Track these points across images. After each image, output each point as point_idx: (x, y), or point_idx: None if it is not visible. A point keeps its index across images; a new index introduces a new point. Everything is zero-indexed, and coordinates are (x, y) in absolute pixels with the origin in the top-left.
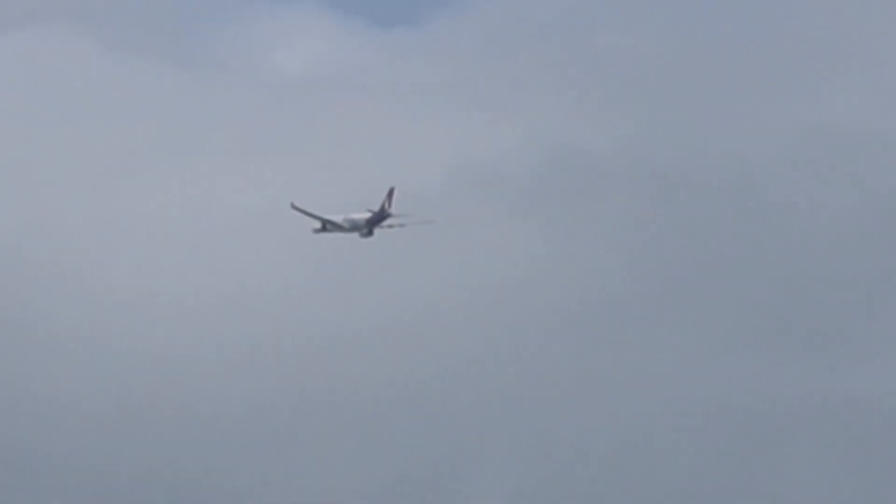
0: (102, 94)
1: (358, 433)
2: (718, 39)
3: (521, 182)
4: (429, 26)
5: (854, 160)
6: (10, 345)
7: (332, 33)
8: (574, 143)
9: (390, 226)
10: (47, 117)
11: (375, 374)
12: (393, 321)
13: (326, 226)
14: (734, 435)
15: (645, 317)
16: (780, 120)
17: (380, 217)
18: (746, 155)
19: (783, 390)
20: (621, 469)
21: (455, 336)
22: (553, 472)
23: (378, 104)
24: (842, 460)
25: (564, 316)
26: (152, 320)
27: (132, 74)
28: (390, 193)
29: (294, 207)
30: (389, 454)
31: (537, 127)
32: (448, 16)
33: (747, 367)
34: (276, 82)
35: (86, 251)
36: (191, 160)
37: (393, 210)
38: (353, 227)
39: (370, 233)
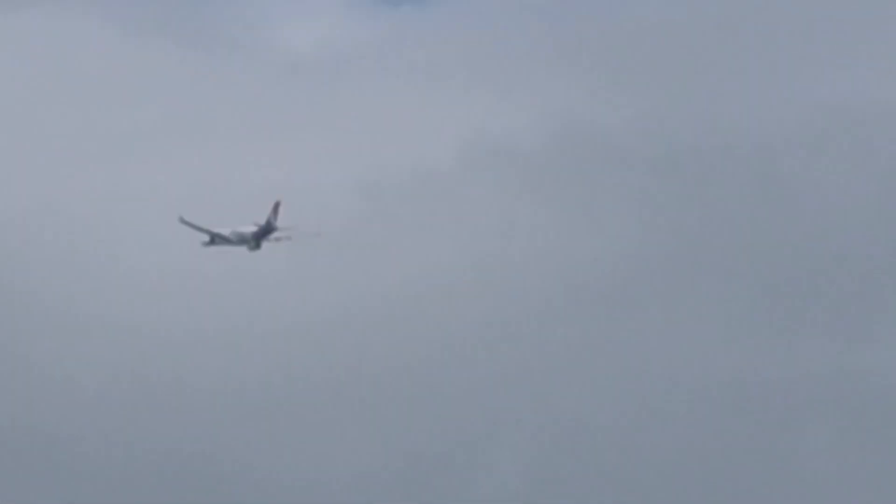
0: (111, 73)
1: (369, 412)
2: (733, 15)
3: (532, 157)
4: (437, 3)
5: (873, 138)
6: (21, 323)
7: (340, 11)
8: (586, 119)
9: (277, 238)
10: (56, 95)
11: (385, 352)
12: (404, 299)
13: (215, 239)
14: (749, 412)
15: (657, 294)
16: (796, 96)
17: (266, 230)
18: (761, 132)
19: (799, 367)
20: (634, 445)
21: (465, 313)
22: (564, 448)
23: (387, 82)
24: (858, 437)
25: (575, 292)
26: (162, 299)
27: (141, 52)
28: (276, 207)
29: (182, 221)
30: (401, 433)
31: (549, 103)
32: None
33: (762, 344)
34: (284, 60)
35: (94, 230)
36: (200, 139)
37: (279, 223)
38: (241, 240)
39: (258, 246)
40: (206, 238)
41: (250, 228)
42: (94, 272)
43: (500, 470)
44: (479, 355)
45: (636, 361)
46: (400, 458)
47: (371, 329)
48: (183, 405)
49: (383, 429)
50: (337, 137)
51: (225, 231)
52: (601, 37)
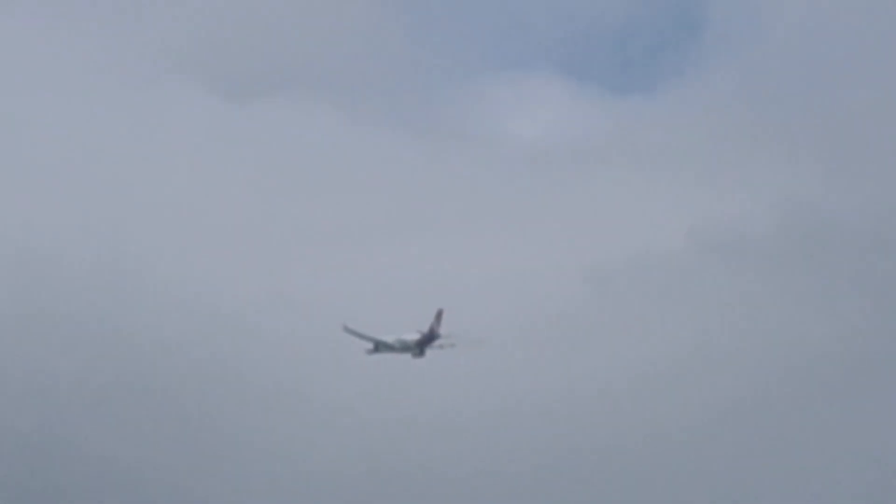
0: (340, 163)
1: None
2: None
3: (761, 242)
4: (665, 92)
5: None
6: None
7: (568, 101)
8: (814, 202)
9: (440, 346)
10: (290, 185)
11: (617, 434)
12: (633, 382)
13: (379, 346)
14: None
15: (892, 377)
16: None
17: (429, 338)
18: None
19: None
20: None
21: (695, 395)
22: None
23: (615, 170)
24: None
25: (806, 375)
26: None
27: (369, 143)
28: (439, 315)
29: (347, 330)
30: None
31: (777, 188)
32: (683, 83)
33: None
34: (512, 151)
35: (326, 319)
36: (429, 229)
37: (441, 330)
38: (404, 347)
39: (421, 353)
40: (370, 346)
41: (413, 336)
42: (329, 361)
43: None
44: (710, 436)
45: (871, 444)
46: None
47: (600, 411)
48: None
49: None
50: (564, 224)
51: (389, 339)
52: (828, 121)
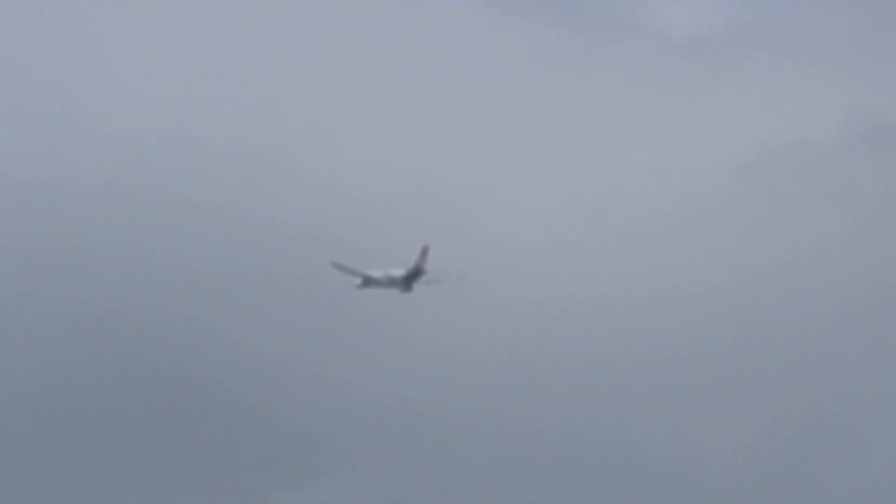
0: (493, 53)
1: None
2: None
3: None
4: None
5: None
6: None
7: None
8: None
9: (427, 282)
10: (438, 75)
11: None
12: (788, 272)
13: (367, 281)
14: None
15: None
16: None
17: (415, 273)
18: None
19: None
20: None
21: (853, 284)
22: None
23: (767, 60)
24: None
25: None
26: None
27: (521, 33)
28: (424, 252)
29: (335, 266)
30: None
31: None
32: None
33: None
34: (661, 42)
35: (472, 207)
36: (580, 121)
37: (427, 266)
38: (392, 282)
39: (409, 288)
40: (359, 281)
41: (399, 272)
42: (472, 252)
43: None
44: (858, 328)
45: None
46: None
47: (751, 302)
48: None
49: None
50: (716, 116)
51: (377, 274)
52: None
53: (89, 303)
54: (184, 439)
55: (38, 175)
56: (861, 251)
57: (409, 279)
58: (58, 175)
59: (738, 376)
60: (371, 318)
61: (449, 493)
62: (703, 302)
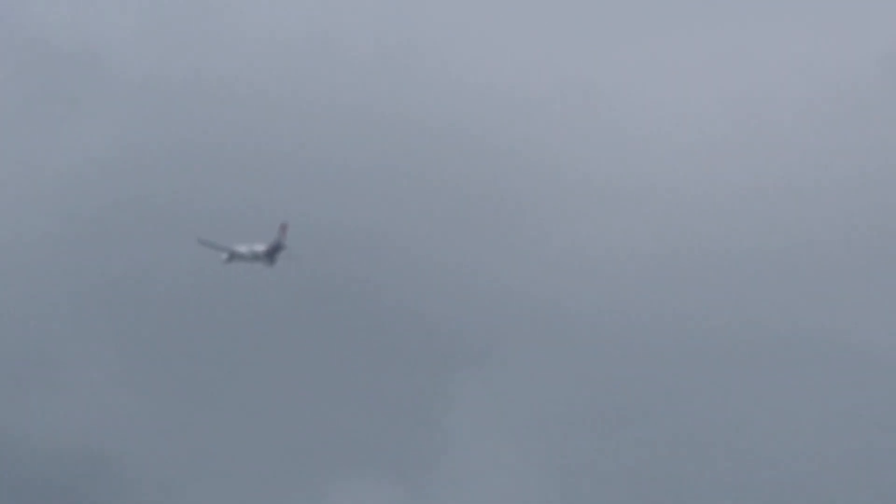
0: None
1: None
2: None
3: None
4: None
5: None
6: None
7: None
8: None
9: (287, 257)
10: None
11: None
12: None
13: (232, 256)
14: None
15: None
16: None
17: (276, 248)
18: None
19: None
20: None
21: None
22: None
23: None
24: None
25: None
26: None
27: None
28: (283, 228)
29: (201, 241)
30: None
31: None
32: None
33: None
34: None
35: (621, 104)
36: (726, 12)
37: (286, 242)
38: (255, 257)
39: (272, 262)
40: (225, 256)
41: (261, 247)
42: (626, 145)
43: None
44: None
45: None
46: None
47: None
48: None
49: None
50: (857, 7)
51: (242, 248)
52: None
53: (225, 200)
54: (343, 338)
55: (180, 72)
56: None
57: (271, 253)
58: (199, 71)
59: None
60: (519, 218)
61: (594, 388)
62: (849, 189)
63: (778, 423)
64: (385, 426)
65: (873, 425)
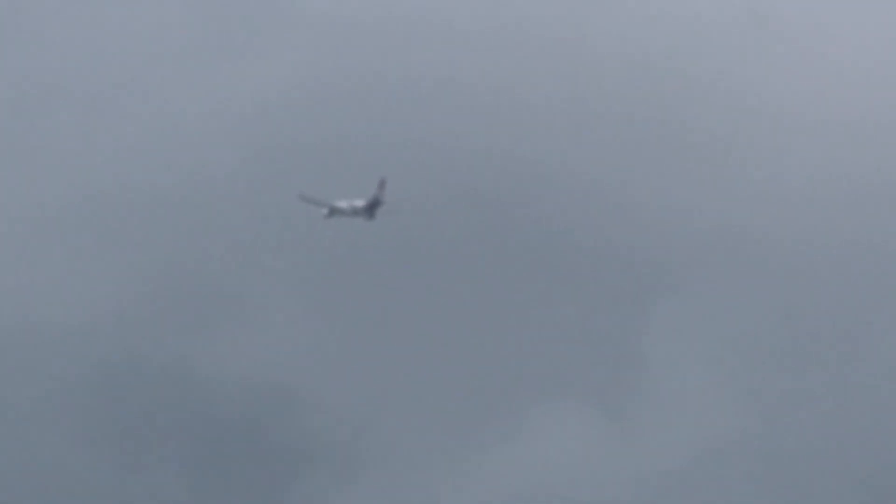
0: None
1: None
2: None
3: None
4: None
5: None
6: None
7: None
8: None
9: (387, 212)
10: None
11: None
12: None
13: (333, 211)
14: None
15: None
16: None
17: (375, 203)
18: None
19: None
20: None
21: None
22: None
23: None
24: None
25: None
26: None
27: None
28: (382, 183)
29: (302, 197)
30: None
31: None
32: None
33: None
34: None
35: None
36: None
37: (385, 197)
38: (355, 212)
39: (372, 216)
40: (325, 211)
41: (361, 202)
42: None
43: None
44: None
45: None
46: None
47: None
48: None
49: None
50: None
51: (342, 204)
52: None
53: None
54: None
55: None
56: None
57: (371, 208)
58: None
59: None
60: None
61: (792, 320)
62: None
63: None
64: (585, 354)
65: None
